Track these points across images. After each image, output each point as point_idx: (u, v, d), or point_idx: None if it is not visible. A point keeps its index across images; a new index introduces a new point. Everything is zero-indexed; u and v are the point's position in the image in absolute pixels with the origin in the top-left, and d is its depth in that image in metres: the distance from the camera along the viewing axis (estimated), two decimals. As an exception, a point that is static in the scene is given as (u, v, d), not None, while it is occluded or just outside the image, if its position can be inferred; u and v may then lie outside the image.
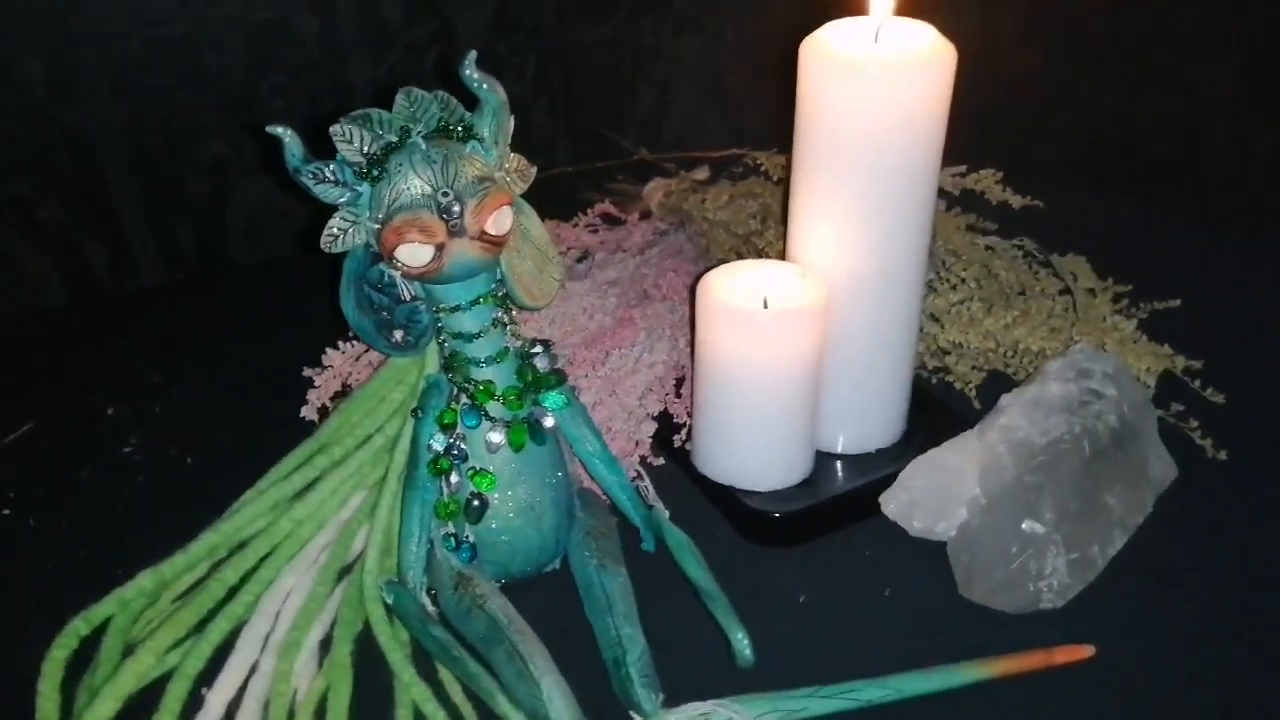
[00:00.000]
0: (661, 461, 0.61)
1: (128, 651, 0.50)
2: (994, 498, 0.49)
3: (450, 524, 0.51)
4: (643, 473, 0.57)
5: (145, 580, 0.53)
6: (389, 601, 0.51)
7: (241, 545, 0.55)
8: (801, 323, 0.53)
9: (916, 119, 0.52)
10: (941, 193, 0.71)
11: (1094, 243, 0.76)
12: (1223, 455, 0.59)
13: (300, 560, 0.55)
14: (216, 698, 0.48)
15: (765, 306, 0.54)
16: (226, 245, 0.90)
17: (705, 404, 0.57)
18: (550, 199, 0.85)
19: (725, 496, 0.57)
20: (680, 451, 0.60)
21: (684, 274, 0.74)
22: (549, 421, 0.51)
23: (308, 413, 0.59)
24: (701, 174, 0.86)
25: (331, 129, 0.45)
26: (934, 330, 0.63)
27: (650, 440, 0.61)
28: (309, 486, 0.57)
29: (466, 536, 0.51)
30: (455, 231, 0.45)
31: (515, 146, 0.49)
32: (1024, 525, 0.48)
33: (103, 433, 0.69)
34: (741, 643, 0.47)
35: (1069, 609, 0.51)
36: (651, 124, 1.01)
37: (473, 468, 0.50)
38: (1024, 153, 1.11)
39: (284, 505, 0.56)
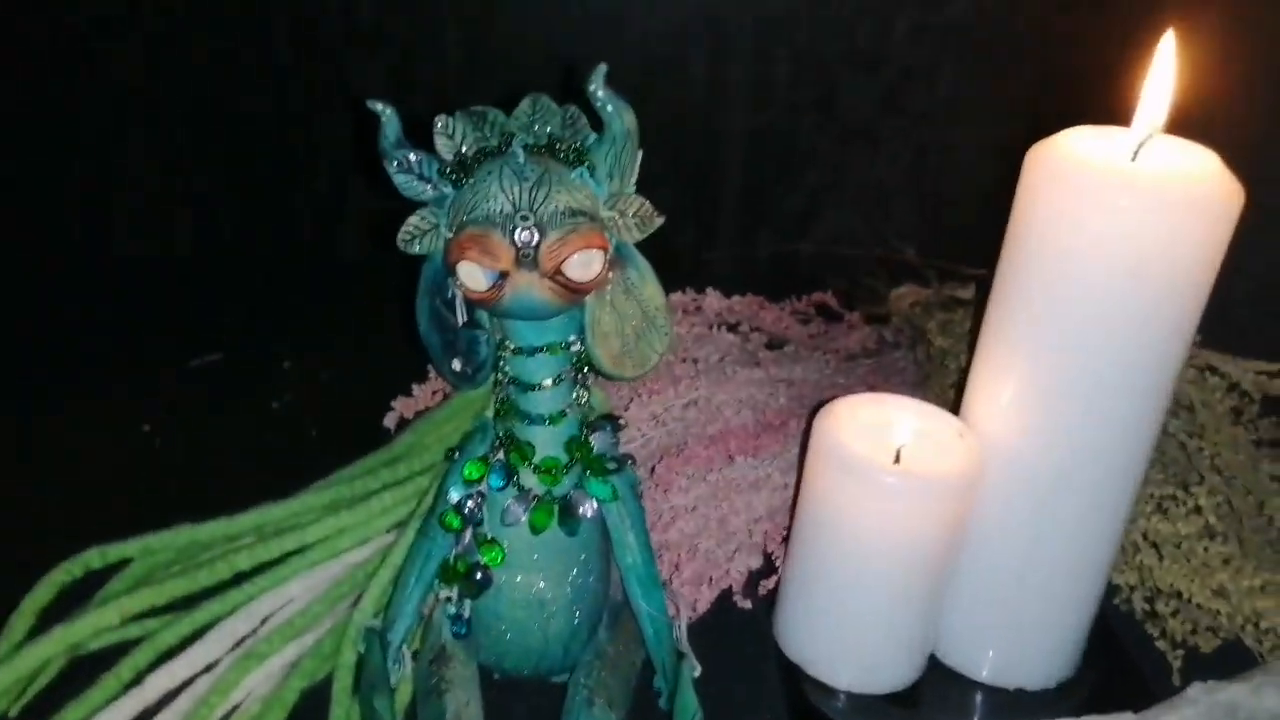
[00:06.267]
0: (749, 606, 0.50)
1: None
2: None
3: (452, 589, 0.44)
4: (681, 609, 0.46)
5: (180, 535, 0.51)
6: (360, 650, 0.45)
7: (279, 533, 0.52)
8: (935, 494, 0.41)
9: (1176, 272, 0.38)
10: (1235, 390, 0.54)
11: None
12: None
13: (320, 571, 0.50)
14: (155, 683, 0.44)
15: (896, 461, 0.42)
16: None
17: (796, 558, 0.45)
18: (774, 274, 0.77)
19: (791, 678, 0.45)
20: (769, 600, 0.49)
21: (885, 398, 0.62)
22: (587, 511, 0.42)
23: (389, 421, 0.55)
24: (965, 291, 0.72)
25: (435, 119, 0.40)
26: (1151, 562, 0.47)
27: (744, 576, 0.50)
28: (366, 496, 0.53)
29: (464, 610, 0.44)
30: (524, 263, 0.38)
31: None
32: None
33: (270, 382, 0.70)
34: None
35: None
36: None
37: (485, 534, 0.43)
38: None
39: (341, 505, 0.52)
